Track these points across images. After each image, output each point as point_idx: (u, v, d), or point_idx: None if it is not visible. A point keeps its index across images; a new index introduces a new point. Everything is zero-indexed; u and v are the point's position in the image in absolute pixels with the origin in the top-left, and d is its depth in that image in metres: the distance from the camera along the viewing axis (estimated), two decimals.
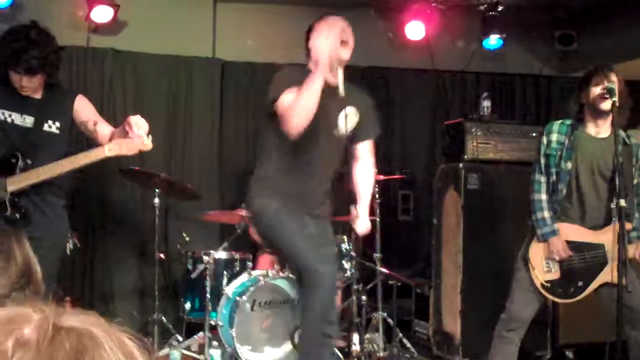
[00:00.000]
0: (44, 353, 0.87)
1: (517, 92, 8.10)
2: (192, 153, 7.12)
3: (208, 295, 5.35)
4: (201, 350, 5.57)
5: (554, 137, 4.50)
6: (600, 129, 4.49)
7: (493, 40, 7.49)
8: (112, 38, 6.90)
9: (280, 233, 4.22)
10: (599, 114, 4.44)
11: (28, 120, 4.09)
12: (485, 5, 7.33)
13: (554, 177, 4.50)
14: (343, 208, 7.10)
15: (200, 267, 5.62)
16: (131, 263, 6.81)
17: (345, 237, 5.80)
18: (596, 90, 4.39)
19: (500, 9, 7.29)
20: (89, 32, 6.84)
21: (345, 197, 6.95)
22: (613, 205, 4.33)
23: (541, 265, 4.52)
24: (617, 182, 4.12)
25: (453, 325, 5.90)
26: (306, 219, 4.34)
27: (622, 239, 4.03)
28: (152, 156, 6.73)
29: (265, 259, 6.20)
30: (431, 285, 6.22)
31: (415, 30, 7.40)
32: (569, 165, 4.43)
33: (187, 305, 5.78)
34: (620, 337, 4.16)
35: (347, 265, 5.63)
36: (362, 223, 4.42)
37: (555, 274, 4.50)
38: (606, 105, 4.32)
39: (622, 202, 4.08)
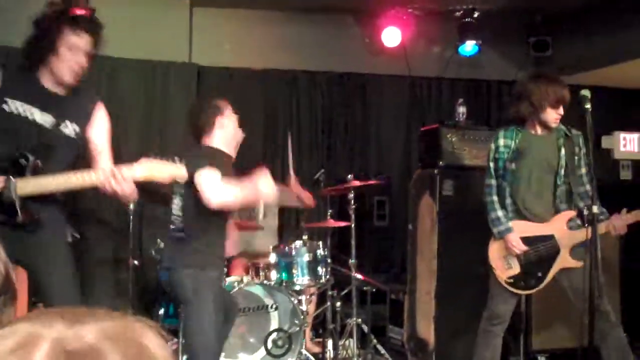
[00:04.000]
0: None
1: (493, 98, 8.16)
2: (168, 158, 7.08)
3: None
4: (175, 356, 5.54)
5: (501, 142, 4.82)
6: (542, 129, 4.79)
7: (469, 47, 7.53)
8: None
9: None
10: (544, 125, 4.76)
11: (47, 119, 3.70)
12: (461, 12, 7.37)
13: (499, 179, 4.84)
14: (319, 214, 7.14)
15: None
16: (105, 269, 6.77)
17: (320, 243, 5.80)
18: (552, 114, 4.66)
19: (476, 15, 7.33)
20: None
21: (321, 203, 6.98)
22: (586, 212, 4.44)
23: (501, 263, 4.81)
24: (592, 188, 4.29)
25: (427, 331, 5.91)
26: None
27: (595, 244, 4.09)
28: (127, 161, 6.70)
29: (238, 264, 6.18)
30: (406, 290, 6.23)
31: (391, 36, 7.44)
32: (513, 165, 4.75)
33: (161, 312, 5.75)
34: (593, 342, 4.20)
35: (321, 271, 5.62)
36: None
37: (515, 270, 4.79)
38: (555, 123, 4.70)
39: (595, 209, 4.16)
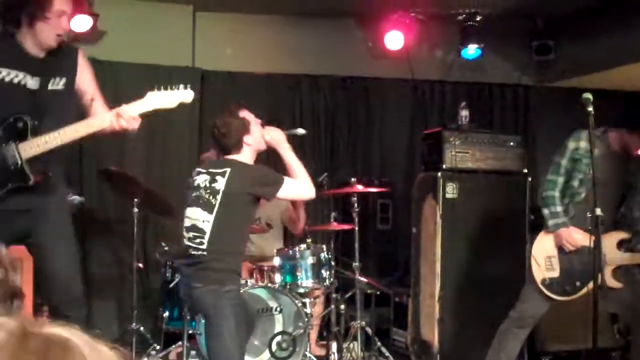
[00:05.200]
0: (10, 353, 0.91)
1: (495, 101, 8.16)
2: (171, 162, 7.11)
3: (186, 305, 5.33)
4: (179, 359, 5.55)
5: (583, 144, 4.69)
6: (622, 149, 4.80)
7: (471, 50, 7.54)
8: (91, 47, 6.87)
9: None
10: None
11: (34, 81, 3.72)
12: (464, 15, 7.37)
13: (575, 182, 4.75)
14: (322, 217, 7.16)
15: (179, 276, 5.60)
16: (109, 272, 6.78)
17: (324, 246, 5.81)
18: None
19: (478, 18, 7.34)
20: (68, 41, 6.81)
21: (324, 204, 7.00)
22: (589, 215, 4.43)
23: (543, 263, 4.76)
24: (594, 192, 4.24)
25: (431, 333, 5.92)
26: None
27: (598, 246, 4.11)
28: (131, 165, 6.75)
29: (243, 267, 6.19)
30: (409, 293, 6.24)
31: (394, 40, 7.44)
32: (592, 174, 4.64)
33: (166, 315, 5.76)
34: (596, 344, 4.21)
35: (326, 274, 5.63)
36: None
37: (555, 273, 4.75)
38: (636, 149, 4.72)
39: (598, 211, 4.15)
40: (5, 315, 1.53)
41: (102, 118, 3.79)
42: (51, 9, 3.67)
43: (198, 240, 4.28)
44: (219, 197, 4.26)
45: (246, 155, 4.44)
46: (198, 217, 4.31)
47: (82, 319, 3.98)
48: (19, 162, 3.64)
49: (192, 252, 4.30)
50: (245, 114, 4.49)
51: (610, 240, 4.65)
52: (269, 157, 5.20)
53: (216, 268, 4.24)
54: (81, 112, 3.98)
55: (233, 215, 4.31)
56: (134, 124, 3.81)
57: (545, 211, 4.78)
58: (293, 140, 7.39)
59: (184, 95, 3.95)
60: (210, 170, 4.38)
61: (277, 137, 4.53)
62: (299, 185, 4.45)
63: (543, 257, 4.77)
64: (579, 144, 4.72)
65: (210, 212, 4.27)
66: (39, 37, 3.71)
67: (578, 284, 4.72)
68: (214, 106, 7.38)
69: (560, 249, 4.74)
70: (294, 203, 6.17)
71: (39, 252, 3.82)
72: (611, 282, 4.62)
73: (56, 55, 3.82)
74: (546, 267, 4.75)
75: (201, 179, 4.38)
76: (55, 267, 3.84)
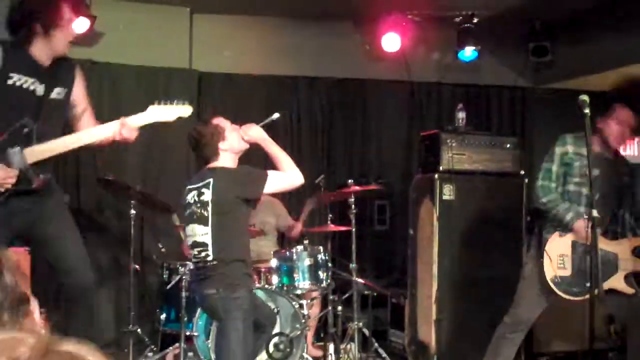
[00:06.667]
0: None
1: (492, 103, 8.18)
2: (169, 164, 7.11)
3: (184, 306, 5.33)
4: None
5: (570, 148, 4.70)
6: (605, 150, 4.77)
7: (468, 52, 7.53)
8: (89, 49, 6.88)
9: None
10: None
11: (40, 88, 3.92)
12: (461, 17, 7.38)
13: (571, 186, 4.70)
14: (319, 219, 7.16)
15: (176, 278, 5.61)
16: (106, 274, 6.77)
17: (321, 247, 5.82)
18: (616, 128, 4.63)
19: (475, 21, 7.35)
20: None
21: (322, 207, 7.00)
22: (585, 216, 4.43)
23: (556, 260, 4.69)
24: (592, 193, 4.24)
25: (428, 334, 5.93)
26: None
27: (595, 248, 4.11)
28: (129, 167, 6.76)
29: None
30: (407, 295, 6.25)
31: (391, 41, 7.44)
32: (597, 171, 4.54)
33: (163, 317, 5.76)
34: (593, 345, 4.21)
35: (323, 275, 5.64)
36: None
37: (566, 272, 4.68)
38: (619, 144, 4.71)
39: (595, 213, 4.15)
40: (12, 321, 1.53)
41: (106, 127, 4.03)
42: (63, 17, 3.90)
43: (204, 254, 4.28)
44: (209, 208, 4.24)
45: (226, 161, 4.40)
46: (197, 233, 4.31)
47: (91, 306, 4.37)
48: (24, 167, 3.82)
49: (202, 265, 4.32)
50: (218, 120, 4.47)
51: (625, 246, 4.68)
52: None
53: (227, 274, 4.23)
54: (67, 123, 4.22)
55: (227, 222, 4.28)
56: (133, 135, 4.10)
57: (555, 211, 4.67)
58: (291, 138, 7.49)
59: (182, 110, 4.17)
60: (196, 185, 4.37)
61: (255, 134, 4.47)
62: (284, 176, 4.40)
63: (556, 255, 4.69)
64: (567, 148, 4.72)
65: (206, 224, 4.27)
66: (53, 45, 3.93)
67: (588, 285, 4.55)
68: (211, 108, 7.41)
69: (574, 249, 4.67)
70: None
71: (48, 244, 4.11)
72: (622, 286, 4.64)
73: (58, 66, 4.02)
74: (558, 265, 4.69)
75: (190, 196, 4.38)
76: (68, 252, 4.11)
